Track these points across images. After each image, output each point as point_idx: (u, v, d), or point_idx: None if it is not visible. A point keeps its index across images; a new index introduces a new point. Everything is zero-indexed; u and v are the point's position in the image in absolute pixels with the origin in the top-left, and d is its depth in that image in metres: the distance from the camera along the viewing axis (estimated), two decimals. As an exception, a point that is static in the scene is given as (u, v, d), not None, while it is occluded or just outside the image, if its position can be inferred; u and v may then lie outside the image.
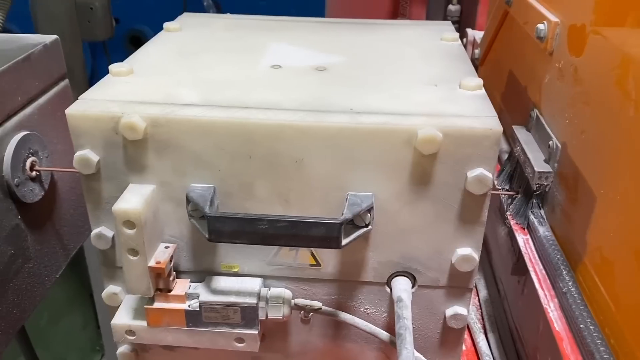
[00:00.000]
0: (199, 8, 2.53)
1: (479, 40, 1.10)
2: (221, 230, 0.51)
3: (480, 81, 0.59)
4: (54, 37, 0.80)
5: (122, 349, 0.66)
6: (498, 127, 0.51)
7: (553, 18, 0.67)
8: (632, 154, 0.48)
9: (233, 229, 0.51)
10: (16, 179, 0.70)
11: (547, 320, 0.56)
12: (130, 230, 0.53)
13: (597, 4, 0.58)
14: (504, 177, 0.77)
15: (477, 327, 0.79)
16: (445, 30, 0.77)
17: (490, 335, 0.78)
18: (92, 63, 2.15)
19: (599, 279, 0.53)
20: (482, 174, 0.52)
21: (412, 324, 0.62)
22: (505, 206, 0.73)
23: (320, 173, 0.54)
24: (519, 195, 0.71)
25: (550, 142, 0.66)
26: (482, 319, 0.82)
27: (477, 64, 1.10)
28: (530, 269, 0.63)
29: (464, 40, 1.17)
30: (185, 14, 0.86)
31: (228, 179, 0.55)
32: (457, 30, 1.37)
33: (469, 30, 1.15)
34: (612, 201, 0.51)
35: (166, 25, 0.77)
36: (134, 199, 0.53)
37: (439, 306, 0.60)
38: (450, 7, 1.37)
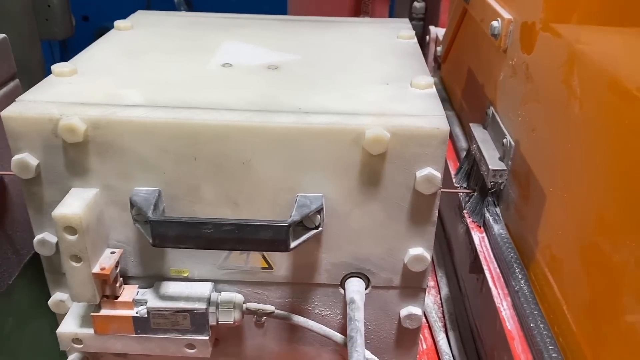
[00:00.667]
0: (170, 6, 2.50)
1: (441, 38, 1.10)
2: (165, 235, 0.50)
3: (431, 80, 0.58)
4: (2, 36, 0.78)
5: (72, 357, 0.64)
6: (445, 127, 0.50)
7: (507, 15, 0.67)
8: (578, 152, 0.48)
9: (177, 233, 0.50)
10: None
11: (500, 319, 0.56)
12: (71, 236, 0.51)
13: (547, 1, 0.58)
14: (461, 175, 0.77)
15: (437, 325, 0.79)
16: (402, 28, 0.76)
17: (450, 334, 0.78)
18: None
19: (550, 277, 0.53)
20: (431, 173, 0.51)
21: (368, 325, 0.61)
22: (463, 204, 0.73)
23: (269, 174, 0.53)
24: (475, 194, 0.71)
25: (505, 140, 0.66)
26: (444, 317, 0.82)
27: (440, 62, 1.11)
28: (485, 267, 0.63)
29: (427, 37, 1.17)
30: (139, 11, 0.84)
31: (174, 182, 0.53)
32: (422, 27, 1.37)
33: (432, 28, 1.15)
34: (560, 199, 0.51)
35: (117, 23, 0.75)
36: (75, 203, 0.51)
37: (393, 307, 0.60)
38: (415, 4, 1.37)
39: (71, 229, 0.51)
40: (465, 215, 0.71)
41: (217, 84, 0.59)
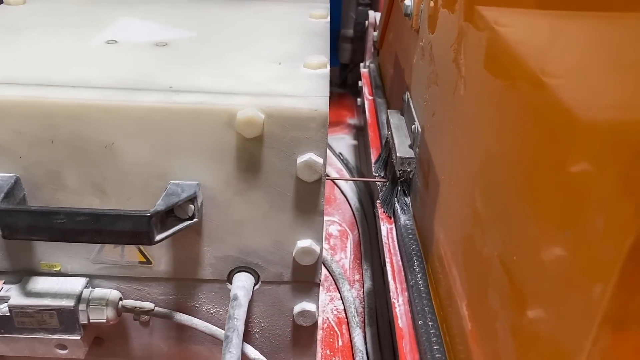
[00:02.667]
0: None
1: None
2: (14, 225, 0.45)
3: (324, 60, 0.54)
4: None
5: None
6: (324, 109, 0.46)
7: (418, -6, 0.63)
8: (460, 137, 0.44)
9: (28, 224, 0.45)
10: None
11: (394, 316, 0.52)
12: None
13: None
14: (379, 163, 0.74)
15: (355, 321, 0.75)
16: (316, 8, 0.72)
17: (368, 330, 0.74)
18: None
19: (439, 271, 0.49)
20: (312, 159, 0.47)
21: (261, 322, 0.57)
22: (378, 194, 0.70)
23: (137, 160, 0.48)
24: (388, 183, 0.67)
25: (413, 126, 0.62)
26: (364, 311, 0.79)
27: (377, 47, 1.07)
28: (388, 260, 0.59)
29: (366, 22, 1.13)
30: (42, -13, 0.78)
31: (32, 167, 0.48)
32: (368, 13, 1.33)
33: (371, 13, 1.11)
34: (448, 188, 0.48)
35: (6, -3, 0.69)
36: None
37: (286, 303, 0.56)
38: (362, -11, 1.33)
39: None
40: (378, 205, 0.68)
41: (92, 61, 0.54)
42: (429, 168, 0.55)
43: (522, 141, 0.32)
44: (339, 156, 1.17)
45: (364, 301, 0.81)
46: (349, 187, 1.04)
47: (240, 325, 0.49)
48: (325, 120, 0.46)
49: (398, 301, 0.53)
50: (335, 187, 1.07)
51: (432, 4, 0.58)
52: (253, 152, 0.48)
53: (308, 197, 0.50)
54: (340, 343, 0.74)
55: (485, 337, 0.36)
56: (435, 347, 0.45)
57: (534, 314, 0.29)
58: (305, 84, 0.50)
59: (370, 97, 0.96)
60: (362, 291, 0.83)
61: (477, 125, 0.39)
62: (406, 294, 0.54)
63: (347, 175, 1.10)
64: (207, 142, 0.47)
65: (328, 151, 1.20)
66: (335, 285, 0.84)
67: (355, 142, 1.26)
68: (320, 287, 0.84)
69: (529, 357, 0.30)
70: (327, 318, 0.78)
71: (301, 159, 0.47)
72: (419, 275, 0.53)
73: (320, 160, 0.47)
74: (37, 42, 0.58)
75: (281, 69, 0.54)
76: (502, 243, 0.33)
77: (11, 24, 0.63)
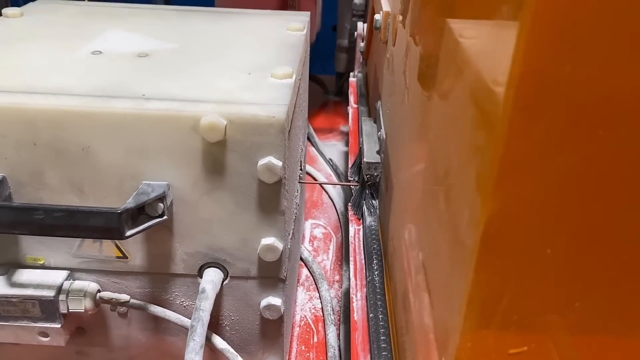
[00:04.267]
0: None
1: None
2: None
3: (289, 70, 0.58)
4: None
5: (-61, 346, 0.63)
6: (281, 116, 0.50)
7: (386, 8, 0.67)
8: (403, 143, 0.48)
9: (9, 219, 0.49)
10: None
11: (352, 310, 0.56)
12: None
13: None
14: (354, 168, 0.77)
15: (330, 318, 0.79)
16: (294, 21, 0.76)
17: (342, 327, 0.78)
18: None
19: (390, 267, 0.53)
20: (271, 162, 0.51)
21: (231, 316, 0.61)
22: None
23: (111, 161, 0.52)
24: (358, 186, 0.71)
25: (379, 133, 0.66)
26: (340, 310, 0.82)
27: (364, 57, 1.11)
28: (352, 259, 0.63)
29: (355, 34, 1.17)
30: (38, 0, 0.83)
31: (17, 168, 0.53)
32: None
33: (359, 24, 1.15)
34: (397, 190, 0.51)
35: (4, 11, 0.74)
36: None
37: (253, 297, 0.60)
38: (355, 1, 1.37)
39: None
40: (349, 207, 0.71)
41: (75, 70, 0.58)
42: (388, 172, 0.58)
43: (433, 145, 0.35)
44: (329, 162, 1.20)
45: (341, 300, 0.84)
46: (336, 192, 1.08)
47: (205, 316, 0.53)
48: (283, 126, 0.50)
49: (356, 296, 0.57)
50: (323, 192, 1.11)
51: (396, 18, 0.62)
52: (217, 155, 0.52)
53: (270, 198, 0.54)
54: (315, 340, 0.78)
55: (412, 327, 0.40)
56: (382, 338, 0.49)
57: (434, 306, 0.32)
58: (268, 93, 0.54)
59: (355, 106, 1.00)
60: (340, 291, 0.86)
61: (410, 132, 0.43)
62: (364, 290, 0.58)
63: (335, 180, 1.14)
64: (176, 145, 0.51)
65: (319, 157, 1.24)
66: (315, 285, 0.87)
67: (346, 148, 1.30)
68: (301, 287, 0.88)
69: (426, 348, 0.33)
70: (305, 316, 0.82)
71: (261, 162, 0.51)
72: (376, 272, 0.56)
73: (279, 163, 0.51)
74: (27, 52, 0.63)
75: (249, 78, 0.58)
76: (420, 240, 0.37)
77: (6, 36, 0.68)
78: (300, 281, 0.88)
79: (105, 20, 0.75)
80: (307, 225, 1.02)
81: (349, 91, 1.10)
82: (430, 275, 0.33)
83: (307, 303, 0.84)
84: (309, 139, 1.30)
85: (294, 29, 0.74)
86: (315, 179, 1.10)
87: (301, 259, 0.91)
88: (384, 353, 0.46)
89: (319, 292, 0.85)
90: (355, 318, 0.54)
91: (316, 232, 1.00)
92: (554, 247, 0.24)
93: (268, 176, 0.52)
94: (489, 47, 0.25)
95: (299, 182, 0.72)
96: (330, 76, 1.60)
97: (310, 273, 0.89)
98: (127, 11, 0.80)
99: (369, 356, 0.48)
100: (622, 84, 0.21)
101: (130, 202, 0.50)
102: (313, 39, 1.23)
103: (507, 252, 0.24)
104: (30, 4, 0.81)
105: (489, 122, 0.23)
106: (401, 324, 0.47)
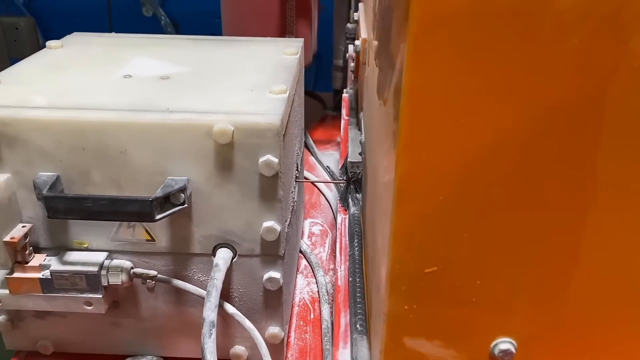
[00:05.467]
0: (156, 25, 2.66)
1: (357, 54, 1.25)
2: (56, 208, 0.63)
3: (284, 87, 0.72)
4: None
5: (0, 319, 0.77)
6: (277, 122, 0.64)
7: (364, 35, 0.81)
8: (373, 143, 0.62)
9: (65, 206, 0.63)
10: None
11: (336, 278, 0.69)
12: (-16, 211, 0.64)
13: (372, 22, 0.72)
14: (342, 169, 0.91)
15: (324, 298, 0.92)
16: (289, 47, 0.90)
17: (334, 306, 0.91)
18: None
19: (365, 243, 0.66)
20: (269, 159, 0.65)
21: (240, 288, 0.74)
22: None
23: (143, 162, 0.66)
24: (345, 183, 0.85)
25: (361, 138, 0.79)
26: (334, 292, 0.95)
27: (355, 75, 1.25)
28: (338, 240, 0.76)
29: (346, 55, 1.32)
30: (74, 33, 0.98)
31: (68, 168, 0.67)
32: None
33: (350, 46, 1.29)
34: (369, 180, 0.65)
35: (48, 43, 0.89)
36: (-13, 185, 0.65)
37: (257, 272, 0.73)
38: (348, 25, 1.52)
39: (-17, 205, 0.64)
40: (338, 201, 0.85)
41: (113, 90, 0.73)
42: (366, 169, 0.72)
43: (381, 140, 0.49)
44: (327, 169, 1.34)
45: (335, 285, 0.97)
46: (332, 195, 1.22)
47: (218, 283, 0.67)
48: (278, 130, 0.64)
49: (340, 268, 0.70)
50: (321, 194, 1.24)
51: (370, 43, 0.76)
52: (226, 155, 0.65)
53: (269, 188, 0.67)
54: (312, 316, 0.90)
55: (368, 291, 0.53)
56: (358, 295, 0.62)
57: (377, 250, 0.46)
58: (267, 105, 0.68)
59: (347, 118, 1.14)
60: (334, 277, 0.99)
61: (374, 134, 0.57)
62: (347, 262, 0.71)
63: (332, 186, 1.27)
64: (193, 148, 0.65)
65: (317, 165, 1.37)
66: (312, 273, 1.00)
67: (342, 157, 1.43)
68: (300, 275, 1.01)
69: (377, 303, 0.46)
70: (303, 297, 0.95)
71: (262, 159, 0.65)
72: (356, 248, 0.70)
73: (276, 160, 0.65)
74: (71, 77, 0.77)
75: (252, 94, 0.72)
76: (373, 210, 0.50)
77: (52, 64, 0.82)
78: (300, 269, 1.01)
79: (131, 49, 0.90)
80: (307, 223, 1.15)
81: (342, 105, 1.24)
82: (377, 228, 0.46)
83: (305, 287, 0.97)
84: (309, 148, 1.44)
85: (289, 53, 0.88)
86: (313, 184, 1.23)
87: (301, 251, 1.04)
88: (359, 305, 0.59)
89: (315, 278, 0.98)
90: (339, 284, 0.66)
91: (314, 229, 1.13)
92: (444, 195, 0.37)
93: (267, 170, 0.65)
94: (398, 60, 0.38)
95: (296, 181, 0.86)
96: (329, 93, 1.75)
97: (309, 263, 1.02)
98: (148, 41, 0.94)
99: (348, 309, 0.61)
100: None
101: (158, 193, 0.64)
102: (309, 59, 1.37)
103: (414, 200, 0.37)
104: (67, 37, 0.96)
105: (397, 118, 0.36)
106: (370, 281, 0.60)
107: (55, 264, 0.69)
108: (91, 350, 0.80)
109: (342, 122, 1.12)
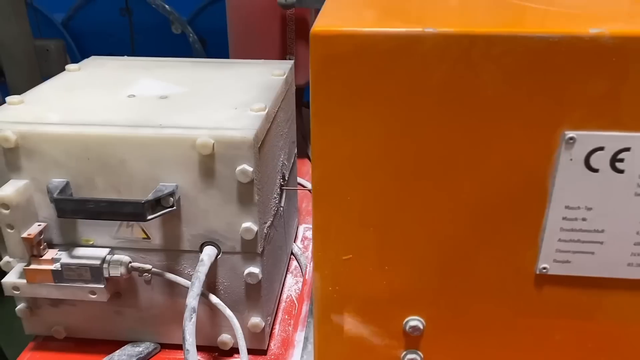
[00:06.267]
0: (185, 42, 2.82)
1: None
2: (64, 209, 0.75)
3: (263, 105, 0.82)
4: None
5: (20, 307, 0.89)
6: (251, 136, 0.74)
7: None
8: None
9: (71, 208, 0.75)
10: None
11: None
12: (5, 210, 0.76)
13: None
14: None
15: (309, 296, 1.01)
16: (277, 68, 1.01)
17: (318, 303, 1.00)
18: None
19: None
20: (245, 168, 0.75)
21: (224, 282, 0.84)
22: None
23: (139, 170, 0.77)
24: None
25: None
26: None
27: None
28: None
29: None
30: (92, 57, 1.11)
31: (77, 175, 0.78)
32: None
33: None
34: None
35: (67, 66, 1.02)
36: (9, 189, 0.77)
37: (239, 267, 0.83)
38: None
39: (5, 205, 0.76)
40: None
41: (116, 109, 0.84)
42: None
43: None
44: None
45: (321, 284, 1.07)
46: (326, 203, 1.31)
47: (201, 276, 0.77)
48: (252, 143, 0.74)
49: (309, 264, 0.79)
50: (317, 203, 1.34)
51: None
52: (209, 164, 0.76)
53: (246, 193, 0.77)
54: (296, 311, 1.00)
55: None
56: (318, 286, 0.71)
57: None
58: (245, 121, 0.78)
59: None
60: (321, 277, 1.08)
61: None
62: (316, 260, 0.80)
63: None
64: (181, 158, 0.76)
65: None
66: (301, 273, 1.10)
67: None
68: (290, 274, 1.11)
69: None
70: (291, 295, 1.04)
71: (238, 168, 0.75)
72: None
73: (251, 169, 0.75)
74: (83, 97, 0.89)
75: (235, 112, 0.82)
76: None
77: (68, 85, 0.95)
78: (290, 270, 1.10)
79: (138, 71, 1.02)
80: (301, 228, 1.25)
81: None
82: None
83: (293, 286, 1.06)
84: (310, 159, 1.54)
85: (276, 74, 0.99)
86: (310, 191, 1.33)
87: (292, 253, 1.14)
88: (317, 295, 0.68)
89: (303, 278, 1.07)
90: (307, 277, 0.76)
91: (307, 234, 1.23)
92: (351, 196, 0.46)
93: (243, 178, 0.75)
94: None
95: (281, 188, 0.96)
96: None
97: (298, 263, 1.11)
98: (155, 64, 1.06)
99: (310, 298, 0.70)
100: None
101: (150, 196, 0.75)
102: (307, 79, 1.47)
103: (327, 200, 0.47)
104: (85, 60, 1.08)
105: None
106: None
107: (65, 258, 0.81)
108: (98, 336, 0.91)
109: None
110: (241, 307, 0.86)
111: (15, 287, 0.82)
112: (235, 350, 0.89)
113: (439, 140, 0.43)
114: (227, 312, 0.81)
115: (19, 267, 0.83)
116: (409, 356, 0.52)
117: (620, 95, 0.41)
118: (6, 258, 0.86)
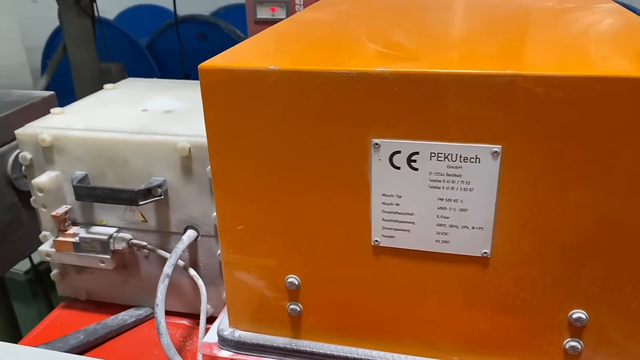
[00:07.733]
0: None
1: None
2: (80, 193, 0.99)
3: (237, 119, 1.03)
4: (51, 92, 1.34)
5: (54, 272, 1.14)
6: (217, 142, 0.95)
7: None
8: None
9: (84, 193, 0.99)
10: (14, 175, 1.21)
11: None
12: (40, 194, 1.01)
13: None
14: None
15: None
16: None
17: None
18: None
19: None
20: (213, 167, 0.96)
21: (204, 260, 1.05)
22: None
23: (138, 167, 1.00)
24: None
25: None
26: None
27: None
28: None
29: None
30: (129, 78, 1.37)
31: (94, 169, 1.02)
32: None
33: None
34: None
35: (105, 85, 1.28)
36: (44, 177, 1.02)
37: (214, 248, 1.03)
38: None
39: (40, 190, 1.01)
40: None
41: (128, 119, 1.08)
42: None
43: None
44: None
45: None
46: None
47: (179, 251, 0.98)
48: (218, 148, 0.94)
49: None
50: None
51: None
52: (188, 164, 0.97)
53: (216, 188, 0.98)
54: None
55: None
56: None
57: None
58: (219, 131, 0.99)
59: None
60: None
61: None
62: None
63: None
64: (168, 158, 0.98)
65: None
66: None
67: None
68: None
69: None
70: (271, 280, 1.23)
71: (208, 167, 0.96)
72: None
73: (218, 168, 0.96)
74: (109, 110, 1.14)
75: (217, 124, 1.04)
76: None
77: (101, 101, 1.20)
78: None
79: (159, 91, 1.26)
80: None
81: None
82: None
83: (276, 273, 1.25)
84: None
85: (264, 95, 1.19)
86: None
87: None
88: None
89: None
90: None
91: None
92: (239, 182, 0.65)
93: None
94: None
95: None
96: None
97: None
98: (173, 85, 1.30)
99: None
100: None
101: (142, 187, 0.97)
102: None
103: (223, 183, 0.66)
104: (121, 82, 1.34)
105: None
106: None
107: (82, 233, 1.05)
108: (110, 300, 1.14)
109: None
110: (217, 281, 1.06)
111: (47, 254, 1.07)
112: (214, 318, 1.09)
113: (290, 146, 0.61)
114: (199, 282, 1.02)
115: (51, 240, 1.08)
116: (291, 306, 0.70)
117: (405, 114, 0.57)
118: (43, 233, 1.12)
